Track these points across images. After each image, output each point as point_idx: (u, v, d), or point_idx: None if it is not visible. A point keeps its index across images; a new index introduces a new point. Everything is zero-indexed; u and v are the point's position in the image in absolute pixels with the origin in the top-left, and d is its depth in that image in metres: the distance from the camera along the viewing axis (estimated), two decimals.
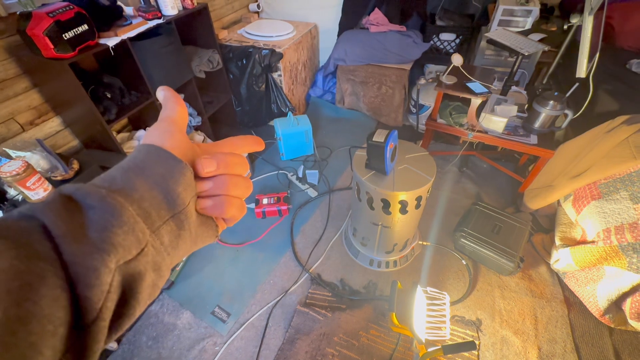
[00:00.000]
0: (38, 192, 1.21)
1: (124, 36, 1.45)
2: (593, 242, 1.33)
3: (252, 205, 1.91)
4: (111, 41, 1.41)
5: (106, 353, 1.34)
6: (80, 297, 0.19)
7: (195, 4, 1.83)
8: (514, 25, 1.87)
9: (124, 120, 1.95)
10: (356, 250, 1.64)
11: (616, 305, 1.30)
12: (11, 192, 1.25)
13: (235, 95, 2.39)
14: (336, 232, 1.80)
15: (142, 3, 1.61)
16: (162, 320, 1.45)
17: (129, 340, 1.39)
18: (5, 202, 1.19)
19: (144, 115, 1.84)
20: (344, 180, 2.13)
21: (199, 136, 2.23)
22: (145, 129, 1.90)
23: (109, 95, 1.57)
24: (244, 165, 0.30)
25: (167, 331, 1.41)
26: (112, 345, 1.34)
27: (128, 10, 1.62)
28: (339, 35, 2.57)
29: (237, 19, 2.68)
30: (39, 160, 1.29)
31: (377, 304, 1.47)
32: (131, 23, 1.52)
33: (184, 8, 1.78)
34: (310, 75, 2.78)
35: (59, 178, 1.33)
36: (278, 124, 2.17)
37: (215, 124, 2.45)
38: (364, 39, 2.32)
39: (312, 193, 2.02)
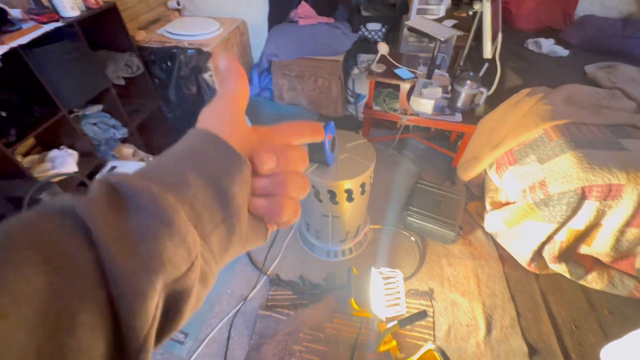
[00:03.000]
0: None
1: (14, 43, 1.26)
2: (515, 202, 1.53)
3: None
4: None
5: None
6: (122, 324, 0.16)
7: (101, 3, 1.66)
8: (430, 13, 2.04)
9: (29, 141, 1.71)
10: (311, 244, 1.67)
11: (538, 254, 1.52)
12: None
13: (164, 101, 2.23)
14: (290, 230, 1.80)
15: (33, 4, 1.42)
16: None
17: None
18: None
19: (55, 132, 1.63)
20: None
21: (128, 149, 2.05)
22: (59, 149, 1.68)
23: (3, 114, 1.36)
24: (304, 161, 0.27)
25: None
26: None
27: (15, 13, 1.41)
28: (269, 30, 2.54)
29: (155, 18, 2.49)
30: None
31: (338, 293, 1.52)
32: (21, 28, 1.33)
33: (88, 8, 1.61)
34: (245, 73, 2.71)
35: None
36: None
37: (146, 134, 2.27)
38: (295, 32, 2.33)
39: None
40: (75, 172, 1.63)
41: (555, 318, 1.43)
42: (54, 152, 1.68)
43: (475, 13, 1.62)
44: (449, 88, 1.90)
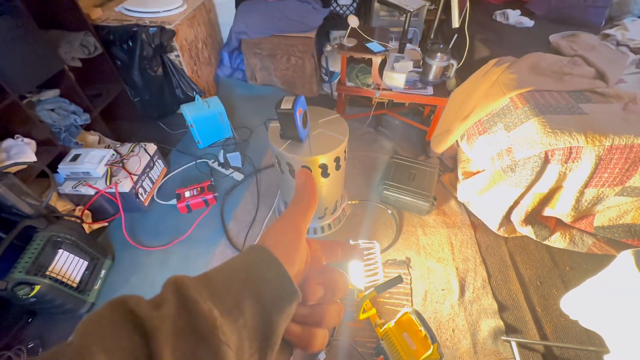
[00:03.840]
0: None
1: None
2: (484, 170, 1.57)
3: (173, 202, 1.77)
4: None
5: None
6: None
7: None
8: None
9: None
10: None
11: (507, 218, 1.58)
12: None
13: (130, 84, 2.10)
14: (269, 210, 1.78)
15: None
16: None
17: None
18: None
19: (7, 119, 1.50)
20: (268, 158, 2.09)
21: (93, 136, 1.93)
22: (14, 138, 1.56)
23: None
24: (345, 290, 0.27)
25: None
26: None
27: None
28: (236, 7, 2.41)
29: None
30: None
31: None
32: None
33: None
34: (215, 53, 2.59)
35: None
36: (186, 109, 1.99)
37: (112, 120, 2.15)
38: (264, 8, 2.23)
39: (238, 176, 1.95)
40: (34, 162, 1.52)
41: (522, 276, 1.52)
42: (8, 142, 1.55)
43: None
44: (421, 62, 1.89)
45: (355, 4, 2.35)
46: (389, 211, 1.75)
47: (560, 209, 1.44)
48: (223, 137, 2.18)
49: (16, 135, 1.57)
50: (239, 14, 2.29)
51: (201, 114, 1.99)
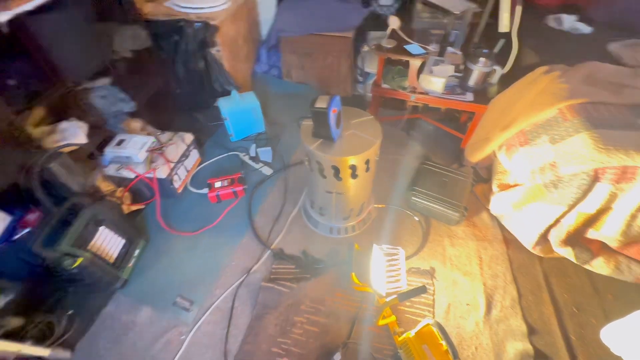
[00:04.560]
0: None
1: (18, 9, 1.23)
2: (523, 184, 1.48)
3: (205, 191, 1.83)
4: (2, 16, 1.19)
5: None
6: None
7: None
8: None
9: (41, 112, 1.71)
10: (315, 221, 1.66)
11: (544, 237, 1.48)
12: None
13: (172, 76, 2.20)
14: (295, 207, 1.79)
15: None
16: (119, 320, 1.37)
17: (83, 347, 1.30)
18: None
19: (65, 104, 1.63)
20: (298, 155, 2.10)
21: (136, 123, 2.04)
22: (69, 120, 1.68)
23: (13, 83, 1.35)
24: None
25: (126, 330, 1.34)
26: (64, 355, 1.24)
27: None
28: (278, 5, 2.45)
29: None
30: None
31: (340, 268, 1.52)
32: None
33: None
34: (253, 49, 2.64)
35: None
36: (223, 103, 2.05)
37: (154, 109, 2.25)
38: (304, 7, 2.24)
39: (267, 171, 1.98)
40: (85, 144, 1.63)
41: (557, 300, 1.41)
42: (64, 124, 1.68)
43: None
44: (461, 66, 1.81)
45: (396, 5, 2.30)
46: (416, 218, 1.70)
47: (607, 232, 1.32)
48: (255, 131, 2.22)
49: (71, 118, 1.70)
50: (280, 12, 2.32)
51: (236, 108, 2.04)
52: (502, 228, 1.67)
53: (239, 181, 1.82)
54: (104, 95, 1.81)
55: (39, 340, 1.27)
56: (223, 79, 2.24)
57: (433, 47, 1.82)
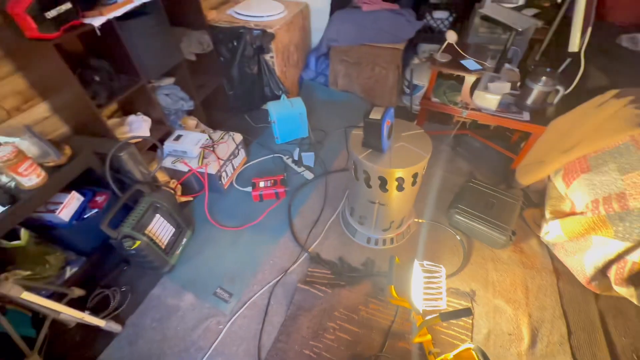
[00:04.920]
0: (31, 178, 1.19)
1: (110, 15, 1.39)
2: (582, 213, 1.38)
3: (249, 189, 1.91)
4: (96, 21, 1.35)
5: (111, 336, 1.35)
6: None
7: None
8: (507, 1, 1.86)
9: (113, 106, 1.90)
10: (353, 229, 1.67)
11: (602, 272, 1.36)
12: (3, 178, 1.22)
13: (227, 79, 2.34)
14: (333, 213, 1.81)
15: None
16: (164, 302, 1.47)
17: (133, 323, 1.40)
18: None
19: (135, 99, 1.79)
20: (339, 162, 2.13)
21: (192, 121, 2.19)
22: (136, 115, 1.85)
23: (97, 79, 1.52)
24: None
25: (170, 313, 1.43)
26: (116, 328, 1.35)
27: None
28: (331, 14, 2.51)
29: None
30: (29, 147, 1.26)
31: (375, 279, 1.51)
32: (116, 2, 1.45)
33: None
34: (303, 57, 2.73)
35: (51, 164, 1.30)
36: (272, 107, 2.14)
37: (208, 109, 2.41)
38: (357, 18, 2.28)
39: (309, 175, 2.03)
40: (149, 137, 1.78)
41: (613, 344, 1.29)
42: (132, 117, 1.85)
43: (563, 1, 1.45)
44: (518, 84, 1.74)
45: (451, 18, 2.26)
46: (458, 237, 1.65)
47: None
48: (300, 136, 2.29)
49: (138, 113, 1.87)
50: (333, 21, 2.38)
51: (284, 112, 2.12)
52: (552, 258, 1.56)
53: (281, 183, 1.88)
54: (168, 93, 1.96)
55: (96, 312, 1.40)
56: (273, 84, 2.34)
57: (489, 63, 1.77)
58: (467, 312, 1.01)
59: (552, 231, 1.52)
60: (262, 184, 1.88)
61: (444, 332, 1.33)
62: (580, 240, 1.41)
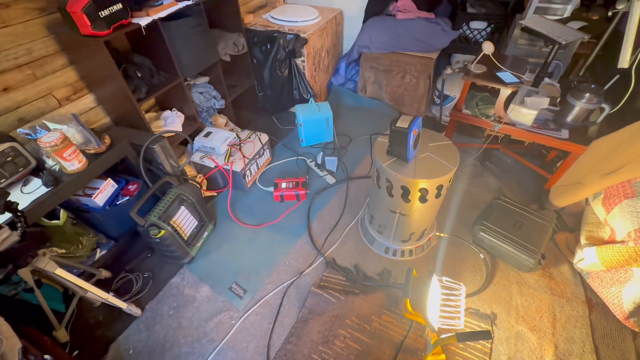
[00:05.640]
0: (73, 163, 1.28)
1: (156, 16, 1.48)
2: (622, 242, 1.27)
3: (270, 189, 1.94)
4: (143, 21, 1.44)
5: (131, 318, 1.42)
6: None
7: None
8: (551, 12, 1.77)
9: (151, 101, 2.01)
10: (372, 237, 1.65)
11: None
12: (49, 162, 1.33)
13: (258, 80, 2.40)
14: (352, 219, 1.80)
15: None
16: (182, 292, 1.52)
17: (151, 308, 1.46)
18: (44, 171, 1.27)
19: (171, 96, 1.89)
20: (362, 168, 2.12)
21: (222, 119, 2.27)
22: (171, 110, 1.95)
23: (139, 75, 1.61)
24: None
25: (187, 302, 1.48)
26: (136, 311, 1.41)
27: None
28: (364, 22, 2.52)
29: (263, 4, 2.68)
30: (74, 134, 1.36)
31: (390, 291, 1.47)
32: (162, 3, 1.55)
33: None
34: (333, 62, 2.75)
35: (92, 151, 1.39)
36: (299, 110, 2.17)
37: (238, 108, 2.49)
38: (390, 26, 2.27)
39: (330, 180, 2.03)
40: (181, 132, 1.87)
41: None
42: (167, 113, 1.95)
43: (615, 14, 1.36)
44: (558, 100, 1.65)
45: (489, 29, 2.19)
46: (481, 255, 1.57)
47: None
48: (325, 140, 2.30)
49: (173, 109, 1.97)
50: (366, 28, 2.38)
51: (311, 116, 2.14)
52: (585, 287, 1.45)
53: (302, 185, 1.90)
54: (202, 91, 2.05)
55: (119, 294, 1.48)
56: (303, 87, 2.37)
57: (527, 77, 1.69)
58: (487, 335, 0.96)
59: (587, 258, 1.42)
60: (284, 185, 1.91)
61: (459, 353, 1.27)
62: (619, 271, 1.30)
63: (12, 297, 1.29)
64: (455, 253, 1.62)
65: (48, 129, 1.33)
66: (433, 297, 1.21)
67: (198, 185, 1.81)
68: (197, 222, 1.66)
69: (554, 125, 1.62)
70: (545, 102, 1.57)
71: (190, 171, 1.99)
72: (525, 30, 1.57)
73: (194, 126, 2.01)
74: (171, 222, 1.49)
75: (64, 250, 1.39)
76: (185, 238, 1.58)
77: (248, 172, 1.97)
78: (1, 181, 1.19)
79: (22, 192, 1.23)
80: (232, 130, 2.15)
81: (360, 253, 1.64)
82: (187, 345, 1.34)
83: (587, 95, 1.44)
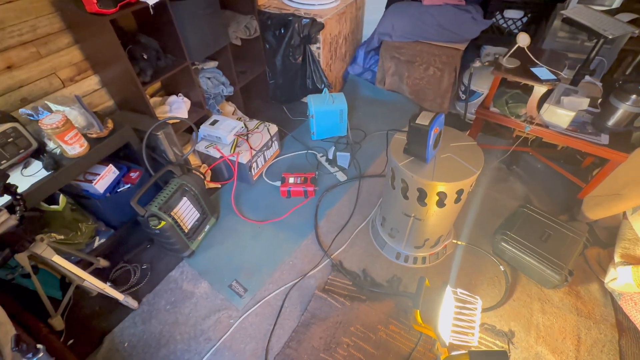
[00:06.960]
0: (74, 147, 1.30)
1: None
2: None
3: (277, 184, 1.94)
4: (152, 0, 1.45)
5: (127, 310, 1.45)
6: None
7: None
8: (598, 2, 1.68)
9: (157, 84, 2.03)
10: (383, 241, 1.63)
11: None
12: (50, 144, 1.36)
13: (270, 67, 2.39)
14: (363, 220, 1.78)
15: None
16: (181, 286, 1.54)
17: (148, 301, 1.49)
18: (45, 154, 1.30)
19: (177, 80, 1.90)
20: (376, 166, 2.09)
21: (230, 107, 2.27)
22: (178, 95, 1.96)
23: (145, 57, 1.63)
24: None
25: (185, 298, 1.50)
26: (133, 303, 1.44)
27: None
28: (387, 7, 2.46)
29: None
30: (76, 117, 1.38)
31: (399, 299, 1.46)
32: None
33: None
34: (351, 50, 2.71)
35: (94, 136, 1.41)
36: (312, 100, 2.15)
37: (247, 96, 2.49)
38: (415, 12, 2.21)
39: (341, 177, 2.01)
40: (186, 119, 1.88)
41: None
42: (172, 98, 1.96)
43: None
44: (599, 101, 1.57)
45: (525, 19, 2.11)
46: (502, 267, 1.53)
47: None
48: (337, 134, 2.28)
49: (179, 94, 1.98)
50: (388, 14, 2.33)
51: (324, 108, 2.12)
52: (616, 309, 1.40)
53: (311, 181, 1.89)
54: (210, 77, 2.06)
55: (116, 284, 1.51)
56: (317, 76, 2.35)
57: (565, 74, 1.62)
58: (503, 355, 0.93)
59: (620, 278, 1.36)
60: (291, 180, 1.90)
61: None
62: None
63: (9, 281, 1.34)
64: (473, 263, 1.59)
65: (50, 111, 1.36)
66: (446, 309, 1.18)
67: (202, 176, 1.83)
68: (199, 215, 1.68)
69: (592, 129, 1.55)
70: (584, 102, 1.50)
71: (194, 160, 2.00)
72: (567, 21, 1.49)
73: (201, 113, 2.02)
74: (172, 214, 1.51)
75: (62, 237, 1.43)
76: (186, 231, 1.60)
77: (254, 165, 1.97)
78: (2, 162, 1.22)
79: (22, 174, 1.26)
80: (239, 119, 2.15)
81: (369, 257, 1.63)
82: (183, 342, 1.36)
83: (634, 97, 1.37)
